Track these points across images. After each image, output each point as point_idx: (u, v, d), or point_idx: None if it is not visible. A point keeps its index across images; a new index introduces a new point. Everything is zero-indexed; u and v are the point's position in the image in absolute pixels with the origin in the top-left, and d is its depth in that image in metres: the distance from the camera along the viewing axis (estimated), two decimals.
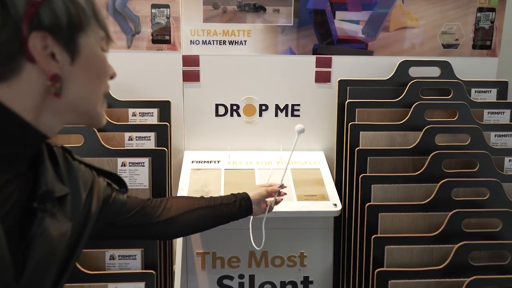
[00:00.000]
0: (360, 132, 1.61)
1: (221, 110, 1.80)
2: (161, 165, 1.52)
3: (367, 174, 1.51)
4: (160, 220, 1.01)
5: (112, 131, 1.57)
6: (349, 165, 1.62)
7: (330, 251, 1.60)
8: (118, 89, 1.69)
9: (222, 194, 1.55)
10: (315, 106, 1.82)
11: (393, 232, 1.43)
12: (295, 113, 1.82)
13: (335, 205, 1.52)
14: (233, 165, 1.72)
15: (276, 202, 1.28)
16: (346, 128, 1.65)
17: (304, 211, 1.50)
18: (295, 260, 1.59)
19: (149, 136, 1.57)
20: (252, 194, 1.20)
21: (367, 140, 1.61)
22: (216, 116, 1.79)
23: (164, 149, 1.53)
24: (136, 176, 1.51)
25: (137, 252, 1.35)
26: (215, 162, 1.76)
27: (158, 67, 1.73)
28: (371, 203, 1.46)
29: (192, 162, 1.77)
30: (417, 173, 1.51)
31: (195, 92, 1.77)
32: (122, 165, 1.51)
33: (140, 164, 1.51)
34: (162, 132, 1.58)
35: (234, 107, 1.79)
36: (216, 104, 1.78)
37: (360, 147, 1.58)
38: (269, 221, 1.36)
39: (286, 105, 1.80)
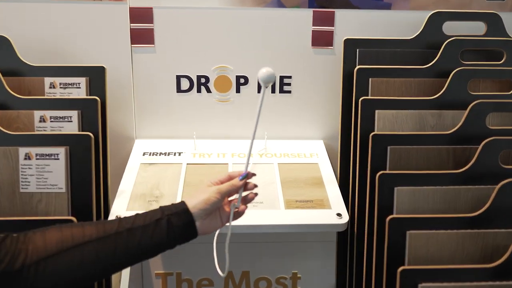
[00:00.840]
0: (376, 111, 1.15)
1: (185, 84, 1.36)
2: (85, 158, 1.04)
3: (388, 172, 1.04)
4: (15, 267, 0.59)
5: (16, 109, 1.09)
6: (360, 158, 1.15)
7: (332, 271, 1.21)
8: (33, 52, 1.24)
9: (179, 199, 1.10)
10: (312, 78, 1.38)
11: (429, 261, 0.95)
12: (285, 88, 1.37)
13: (340, 215, 1.08)
14: (199, 158, 1.32)
15: (238, 211, 0.86)
16: (356, 106, 1.18)
17: (294, 224, 1.10)
18: (285, 283, 1.21)
19: (70, 117, 1.09)
20: (194, 203, 0.77)
21: (385, 122, 1.14)
22: (177, 92, 1.38)
23: (88, 135, 1.05)
24: (47, 174, 1.04)
25: None
26: (174, 154, 1.32)
27: (95, 24, 1.30)
28: (395, 215, 0.98)
29: (144, 154, 1.32)
30: (461, 170, 1.03)
31: (148, 59, 1.34)
32: (26, 158, 1.03)
33: (52, 157, 1.04)
34: (89, 111, 1.10)
35: (202, 80, 1.35)
36: (177, 76, 1.36)
37: (376, 132, 1.10)
38: (249, 233, 1.05)
39: None
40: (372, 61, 1.24)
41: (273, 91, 1.38)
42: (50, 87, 1.16)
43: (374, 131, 1.13)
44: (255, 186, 0.86)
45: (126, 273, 1.26)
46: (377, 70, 1.21)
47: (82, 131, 1.11)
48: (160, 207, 0.77)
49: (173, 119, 1.39)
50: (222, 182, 0.84)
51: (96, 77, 1.16)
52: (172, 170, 1.27)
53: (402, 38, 1.28)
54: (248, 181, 0.85)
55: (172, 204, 0.78)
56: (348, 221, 1.09)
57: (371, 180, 1.07)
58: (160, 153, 1.34)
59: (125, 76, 1.34)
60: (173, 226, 0.73)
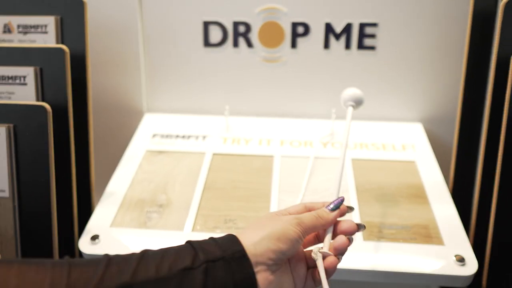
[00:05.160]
0: None
1: (215, 34, 0.94)
2: (39, 143, 0.64)
3: None
4: None
5: None
6: (506, 153, 0.65)
7: None
8: None
9: (194, 212, 0.70)
10: (409, 25, 0.90)
11: None
12: (367, 41, 0.91)
13: (461, 260, 0.61)
14: (232, 145, 0.92)
15: (326, 266, 0.46)
16: (500, 66, 0.67)
17: (379, 271, 0.61)
18: None
19: (23, 77, 0.68)
20: (254, 239, 0.42)
21: None
22: (205, 46, 0.95)
23: (43, 106, 0.63)
24: None
25: None
26: (197, 138, 0.92)
27: None
28: None
29: (154, 136, 0.91)
30: None
31: None
32: None
33: None
34: (53, 68, 0.68)
35: (241, 29, 0.92)
36: (205, 23, 0.93)
37: None
38: None
39: (348, 26, 0.91)
40: None
41: (347, 45, 0.91)
42: (5, 31, 0.76)
43: None
44: (359, 227, 0.49)
45: None
46: None
47: (42, 100, 0.70)
48: (189, 242, 0.42)
49: (197, 86, 0.96)
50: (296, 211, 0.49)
51: (69, 15, 0.75)
52: (189, 162, 0.85)
53: None
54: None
55: (211, 238, 0.42)
56: (475, 272, 0.62)
57: None
58: (177, 136, 0.92)
59: (129, 23, 0.91)
60: (215, 286, 0.38)
